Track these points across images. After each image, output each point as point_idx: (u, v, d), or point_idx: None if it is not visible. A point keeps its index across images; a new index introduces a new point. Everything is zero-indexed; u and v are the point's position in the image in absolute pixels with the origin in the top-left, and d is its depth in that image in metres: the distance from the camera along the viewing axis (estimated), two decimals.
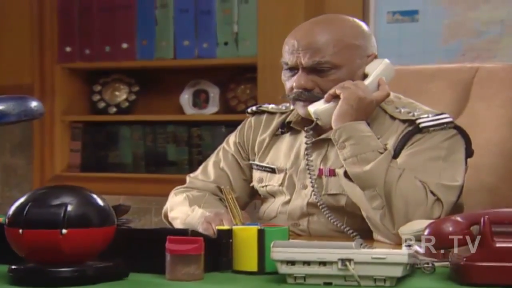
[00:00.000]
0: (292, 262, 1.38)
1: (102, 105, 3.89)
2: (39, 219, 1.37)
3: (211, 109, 3.74)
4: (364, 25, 2.03)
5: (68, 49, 3.84)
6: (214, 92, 3.74)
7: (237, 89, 3.72)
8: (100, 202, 1.42)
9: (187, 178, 2.19)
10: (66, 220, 1.36)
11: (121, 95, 3.88)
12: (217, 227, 1.55)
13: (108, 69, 3.87)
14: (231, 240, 1.49)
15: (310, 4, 3.41)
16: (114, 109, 3.87)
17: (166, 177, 3.63)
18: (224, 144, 2.20)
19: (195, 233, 1.49)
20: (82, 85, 3.94)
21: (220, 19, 3.60)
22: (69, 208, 1.37)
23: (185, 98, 3.77)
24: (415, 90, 2.30)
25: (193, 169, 2.30)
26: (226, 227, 1.54)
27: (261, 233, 1.48)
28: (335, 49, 1.95)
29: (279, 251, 1.39)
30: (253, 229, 1.49)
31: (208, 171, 2.16)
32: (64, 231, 1.36)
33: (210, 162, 2.18)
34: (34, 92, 3.80)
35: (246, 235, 1.49)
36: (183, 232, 1.48)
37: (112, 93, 3.89)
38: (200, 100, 3.76)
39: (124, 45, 3.75)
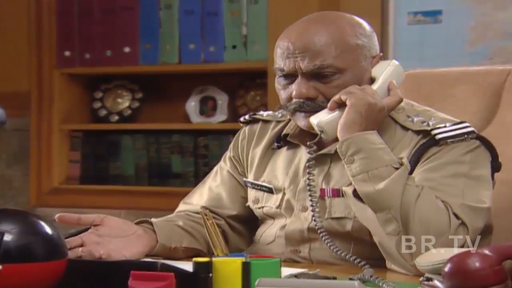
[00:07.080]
0: None
1: (103, 113, 3.84)
2: None
3: (219, 117, 3.68)
4: (365, 23, 1.86)
5: (67, 53, 3.79)
6: (222, 99, 3.69)
7: (247, 96, 3.66)
8: (47, 230, 1.24)
9: (180, 204, 1.99)
10: (3, 253, 1.19)
11: (124, 102, 3.85)
12: (193, 259, 1.32)
13: (110, 74, 3.85)
14: (210, 275, 1.32)
15: (324, 4, 3.29)
16: (116, 117, 3.82)
17: (170, 190, 3.57)
18: (221, 162, 2.03)
19: (165, 267, 1.30)
20: (82, 91, 3.91)
21: (228, 21, 3.55)
22: (7, 237, 1.20)
23: (191, 105, 3.71)
24: (438, 95, 2.16)
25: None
26: (204, 259, 1.31)
27: (246, 267, 1.32)
28: (337, 50, 1.77)
29: None
30: (237, 261, 1.33)
31: (202, 193, 1.99)
32: None
33: (206, 183, 2.01)
34: (31, 99, 3.82)
35: (228, 268, 1.33)
36: (150, 265, 1.31)
37: (114, 100, 3.86)
38: (207, 107, 3.71)
39: (126, 49, 3.71)
